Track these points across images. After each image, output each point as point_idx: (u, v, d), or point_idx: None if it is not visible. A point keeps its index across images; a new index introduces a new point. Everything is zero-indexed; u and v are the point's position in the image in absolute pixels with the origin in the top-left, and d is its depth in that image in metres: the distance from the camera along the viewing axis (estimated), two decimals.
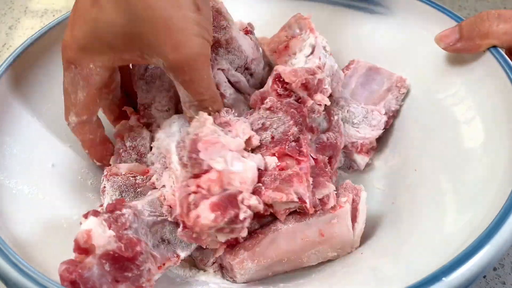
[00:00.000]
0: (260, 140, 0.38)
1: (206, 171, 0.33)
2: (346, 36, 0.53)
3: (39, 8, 0.79)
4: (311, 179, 0.36)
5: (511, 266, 0.43)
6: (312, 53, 0.45)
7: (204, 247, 0.36)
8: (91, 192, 0.44)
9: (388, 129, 0.48)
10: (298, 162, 0.36)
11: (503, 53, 0.40)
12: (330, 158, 0.42)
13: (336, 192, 0.38)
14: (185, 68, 0.34)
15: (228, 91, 0.43)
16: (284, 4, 0.55)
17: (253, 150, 0.38)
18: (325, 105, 0.42)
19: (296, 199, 0.34)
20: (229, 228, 0.33)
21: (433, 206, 0.38)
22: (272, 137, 0.38)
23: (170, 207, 0.35)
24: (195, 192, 0.32)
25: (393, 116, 0.48)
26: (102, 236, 0.30)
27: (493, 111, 0.39)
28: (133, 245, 0.30)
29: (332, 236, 0.37)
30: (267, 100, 0.40)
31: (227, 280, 0.38)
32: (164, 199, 0.35)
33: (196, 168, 0.33)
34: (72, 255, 0.35)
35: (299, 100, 0.41)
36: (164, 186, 0.37)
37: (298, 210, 0.36)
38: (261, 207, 0.34)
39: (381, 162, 0.48)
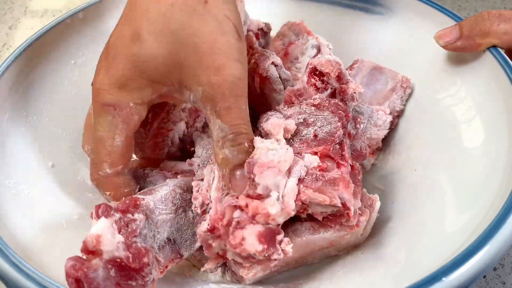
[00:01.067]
0: (300, 136, 0.37)
1: (260, 197, 0.32)
2: (346, 37, 0.53)
3: (39, 8, 0.79)
4: (353, 186, 0.34)
5: (511, 266, 0.43)
6: (318, 52, 0.45)
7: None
8: (91, 192, 0.44)
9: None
10: (339, 166, 0.35)
11: (503, 53, 0.40)
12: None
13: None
14: (226, 92, 0.33)
15: (279, 87, 0.42)
16: (285, 5, 0.55)
17: (288, 141, 0.36)
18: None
19: (339, 204, 0.33)
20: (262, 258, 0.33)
21: (433, 206, 0.38)
22: (315, 135, 0.36)
23: (204, 203, 0.35)
24: (241, 209, 0.32)
25: (397, 116, 0.48)
26: (111, 242, 0.30)
27: (493, 111, 0.39)
28: (140, 257, 0.30)
29: (341, 244, 0.38)
30: (316, 96, 0.39)
31: (230, 280, 0.38)
32: (198, 191, 0.36)
33: (251, 189, 0.32)
34: (72, 255, 0.35)
35: (335, 91, 0.40)
36: (202, 179, 0.37)
37: (331, 215, 0.35)
38: (290, 249, 0.33)
39: (381, 162, 0.48)
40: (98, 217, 0.31)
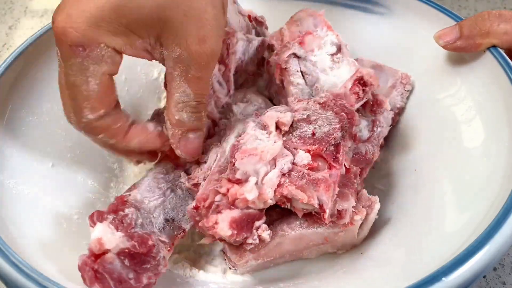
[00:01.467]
0: (300, 131, 0.37)
1: (239, 181, 0.34)
2: (346, 36, 0.52)
3: (39, 8, 0.79)
4: (337, 189, 0.35)
5: (511, 266, 0.43)
6: (339, 51, 0.44)
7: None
8: (91, 192, 0.44)
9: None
10: (330, 167, 0.35)
11: (503, 53, 0.40)
12: (361, 169, 0.41)
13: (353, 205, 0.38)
14: (203, 63, 0.33)
15: (297, 80, 0.42)
16: (284, 5, 0.55)
17: (287, 134, 0.37)
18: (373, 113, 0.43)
19: (316, 205, 0.33)
20: (235, 242, 0.35)
21: (433, 206, 0.38)
22: (313, 134, 0.36)
23: (195, 185, 0.38)
24: (223, 194, 0.34)
25: (398, 113, 0.48)
26: (113, 239, 0.31)
27: (493, 111, 0.39)
28: (145, 241, 0.32)
29: (336, 241, 0.38)
30: (323, 94, 0.39)
31: (228, 265, 0.39)
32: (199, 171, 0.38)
33: (231, 173, 0.34)
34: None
35: (366, 104, 0.41)
36: (205, 162, 0.39)
37: (313, 213, 0.36)
38: (267, 236, 0.35)
39: (381, 162, 0.48)
40: (94, 224, 0.33)
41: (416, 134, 0.46)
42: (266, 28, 0.51)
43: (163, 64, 0.35)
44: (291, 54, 0.42)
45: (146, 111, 0.55)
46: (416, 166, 0.43)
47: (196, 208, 0.35)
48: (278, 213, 0.37)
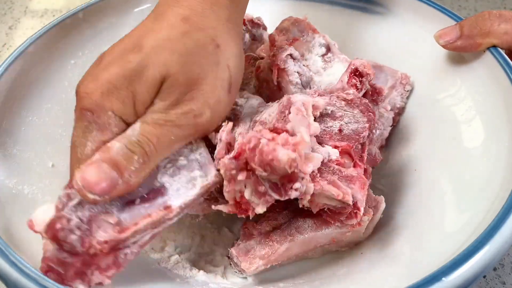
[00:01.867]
0: (325, 126, 0.37)
1: (287, 131, 0.31)
2: (345, 37, 0.53)
3: (39, 8, 0.79)
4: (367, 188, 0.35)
5: (511, 266, 0.43)
6: (328, 51, 0.45)
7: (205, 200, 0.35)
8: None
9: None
10: (355, 165, 0.35)
11: (503, 53, 0.40)
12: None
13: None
14: (192, 130, 0.34)
15: (296, 79, 0.42)
16: (283, 4, 0.55)
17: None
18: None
19: (351, 202, 0.33)
20: (270, 193, 0.31)
21: (433, 206, 0.38)
22: (340, 130, 0.36)
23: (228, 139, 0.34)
24: (271, 139, 0.30)
25: (398, 113, 0.48)
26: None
27: (493, 111, 0.39)
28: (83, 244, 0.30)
29: (342, 241, 0.38)
30: (350, 91, 0.38)
31: (233, 270, 0.39)
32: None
33: (280, 122, 0.32)
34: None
35: (366, 94, 0.41)
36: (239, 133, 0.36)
37: (331, 210, 0.34)
38: (309, 193, 0.31)
39: (381, 162, 0.48)
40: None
41: (416, 134, 0.46)
42: (265, 29, 0.51)
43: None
44: (288, 54, 0.42)
45: None
46: (416, 166, 0.43)
47: (239, 155, 0.30)
48: (285, 216, 0.37)
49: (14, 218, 0.36)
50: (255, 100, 0.42)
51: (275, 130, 0.32)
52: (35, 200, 0.39)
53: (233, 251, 0.36)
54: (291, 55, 0.42)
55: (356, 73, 0.40)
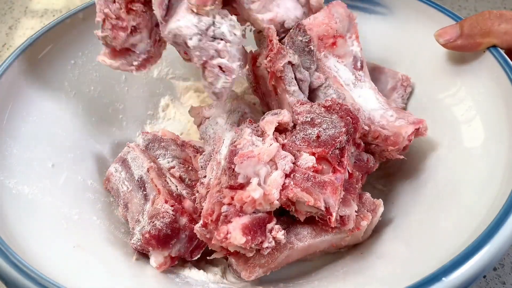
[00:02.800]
0: (304, 134, 0.37)
1: (241, 186, 0.33)
2: None
3: (39, 8, 0.79)
4: (342, 193, 0.35)
5: (511, 266, 0.43)
6: (361, 68, 0.44)
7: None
8: (91, 192, 0.44)
9: None
10: (334, 171, 0.35)
11: (503, 53, 0.40)
12: (361, 176, 0.41)
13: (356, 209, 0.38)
14: None
15: (293, 88, 0.41)
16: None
17: (290, 137, 0.37)
18: None
19: (323, 208, 0.33)
20: (248, 250, 0.34)
21: (433, 206, 0.38)
22: (318, 136, 0.36)
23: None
24: (229, 204, 0.33)
25: None
26: None
27: (493, 111, 0.39)
28: None
29: (341, 244, 0.38)
30: (328, 98, 0.39)
31: (232, 275, 0.39)
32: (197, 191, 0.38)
33: (232, 180, 0.33)
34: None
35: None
36: (205, 176, 0.38)
37: (317, 217, 0.35)
38: (282, 237, 0.34)
39: (381, 162, 0.48)
40: None
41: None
42: None
43: None
44: (286, 63, 0.40)
45: (146, 111, 0.55)
46: (416, 166, 0.43)
47: (204, 225, 0.34)
48: (284, 222, 0.37)
49: (14, 218, 0.36)
50: (237, 114, 0.43)
51: (230, 188, 0.33)
52: (35, 200, 0.39)
53: (232, 259, 0.36)
54: (290, 62, 0.41)
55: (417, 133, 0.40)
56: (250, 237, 0.32)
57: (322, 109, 0.38)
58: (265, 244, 0.33)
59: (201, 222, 0.34)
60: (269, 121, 0.37)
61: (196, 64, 0.37)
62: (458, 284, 0.28)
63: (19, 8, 0.79)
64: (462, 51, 0.43)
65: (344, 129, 0.36)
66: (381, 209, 0.38)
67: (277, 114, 0.38)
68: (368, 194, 0.39)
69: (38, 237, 0.35)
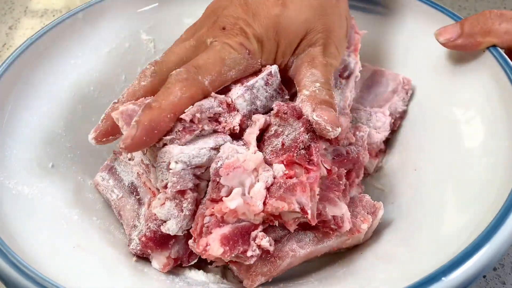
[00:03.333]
0: (271, 147, 0.37)
1: (222, 198, 0.33)
2: None
3: (39, 8, 0.79)
4: (317, 189, 0.34)
5: (511, 266, 0.43)
6: (348, 78, 0.44)
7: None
8: (91, 192, 0.44)
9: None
10: (307, 171, 0.34)
11: (503, 53, 0.40)
12: (349, 171, 0.40)
13: (354, 210, 0.38)
14: (329, 69, 0.40)
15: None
16: None
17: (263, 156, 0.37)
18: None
19: (297, 209, 0.33)
20: (236, 258, 0.34)
21: (433, 206, 0.38)
22: (283, 144, 0.36)
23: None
24: (211, 215, 0.33)
25: (400, 117, 0.48)
26: None
27: (493, 111, 0.39)
28: None
29: (342, 247, 0.38)
30: (274, 105, 0.38)
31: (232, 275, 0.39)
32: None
33: (214, 193, 0.34)
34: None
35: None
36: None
37: (302, 220, 0.35)
38: (266, 244, 0.34)
39: (381, 162, 0.48)
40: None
41: (416, 133, 0.46)
42: None
43: (277, 65, 0.40)
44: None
45: None
46: (416, 166, 0.43)
47: (194, 240, 0.34)
48: (284, 226, 0.37)
49: (14, 219, 0.36)
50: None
51: (212, 200, 0.34)
52: (35, 200, 0.39)
53: (233, 267, 0.36)
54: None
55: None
56: (228, 248, 0.32)
57: (277, 118, 0.38)
58: (249, 253, 0.33)
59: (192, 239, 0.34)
60: (250, 133, 0.37)
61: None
62: (457, 284, 0.28)
63: (19, 8, 0.79)
64: (462, 50, 0.43)
65: (302, 128, 0.36)
66: (381, 212, 0.38)
67: (253, 123, 0.38)
68: (368, 197, 0.39)
69: (38, 237, 0.35)
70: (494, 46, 0.41)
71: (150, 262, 0.38)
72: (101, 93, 0.50)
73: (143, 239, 0.36)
